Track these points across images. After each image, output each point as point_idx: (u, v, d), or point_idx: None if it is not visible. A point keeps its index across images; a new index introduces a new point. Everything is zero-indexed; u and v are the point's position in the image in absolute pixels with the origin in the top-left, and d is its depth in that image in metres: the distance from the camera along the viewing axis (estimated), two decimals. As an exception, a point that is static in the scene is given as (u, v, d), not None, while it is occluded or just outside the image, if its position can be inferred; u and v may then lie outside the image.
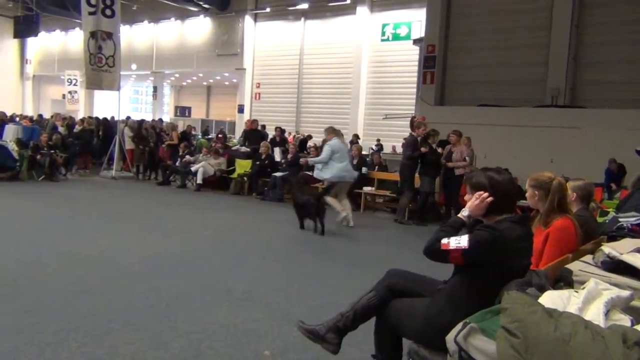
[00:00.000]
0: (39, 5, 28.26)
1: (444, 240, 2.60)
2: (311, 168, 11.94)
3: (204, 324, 4.20)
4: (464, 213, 2.80)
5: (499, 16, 13.47)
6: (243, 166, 13.31)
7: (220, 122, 31.28)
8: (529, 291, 2.34)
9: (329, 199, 9.08)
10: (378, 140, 21.72)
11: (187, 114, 33.80)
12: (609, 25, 12.17)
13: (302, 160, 11.26)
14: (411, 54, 19.25)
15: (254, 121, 16.21)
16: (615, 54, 12.01)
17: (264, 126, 18.30)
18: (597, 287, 2.31)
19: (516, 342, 1.92)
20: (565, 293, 2.32)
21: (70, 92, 25.49)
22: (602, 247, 3.02)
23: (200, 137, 22.42)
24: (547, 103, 12.55)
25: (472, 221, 2.83)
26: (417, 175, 10.20)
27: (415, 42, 17.21)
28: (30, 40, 34.51)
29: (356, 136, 20.11)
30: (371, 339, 3.07)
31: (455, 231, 2.71)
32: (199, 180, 12.86)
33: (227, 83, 33.36)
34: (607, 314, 2.12)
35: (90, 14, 14.00)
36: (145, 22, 30.49)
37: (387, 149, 21.17)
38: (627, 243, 3.08)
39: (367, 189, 11.34)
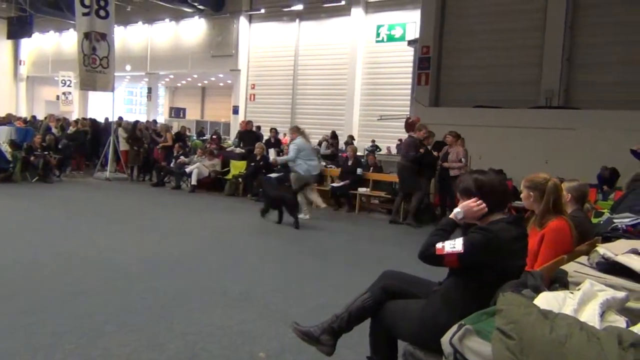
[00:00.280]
0: (32, 6, 28.18)
1: (439, 245, 2.60)
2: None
3: (200, 326, 4.19)
4: (458, 216, 2.79)
5: (493, 17, 13.50)
6: (238, 167, 13.28)
7: (215, 123, 31.26)
8: (524, 292, 2.34)
9: (299, 197, 9.53)
10: (373, 141, 21.75)
11: (181, 115, 33.75)
12: (602, 26, 12.21)
13: (271, 160, 11.64)
14: (406, 55, 19.28)
15: (249, 122, 16.18)
16: (609, 55, 12.05)
17: (259, 127, 18.29)
18: (593, 289, 2.31)
19: (511, 344, 1.91)
20: (560, 294, 2.32)
21: (64, 94, 25.39)
22: (597, 248, 3.02)
23: (195, 138, 22.38)
24: (542, 104, 12.57)
25: (466, 222, 2.83)
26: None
27: (410, 43, 17.22)
28: (24, 41, 34.43)
29: (351, 137, 20.12)
30: (366, 341, 3.07)
31: (448, 234, 2.71)
32: (194, 181, 12.82)
33: (221, 84, 33.33)
34: (602, 315, 2.12)
35: (84, 14, 13.95)
36: (140, 23, 30.45)
37: (382, 150, 21.21)
38: (622, 244, 3.09)
39: (362, 190, 11.32)
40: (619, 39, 11.87)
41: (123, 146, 14.89)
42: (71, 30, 29.44)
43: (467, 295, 2.59)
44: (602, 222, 4.70)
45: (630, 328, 2.04)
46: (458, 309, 2.49)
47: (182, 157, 13.78)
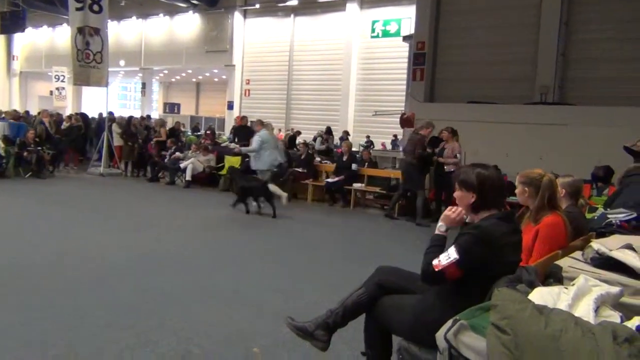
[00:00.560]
0: (25, 0, 27.97)
1: (435, 262, 2.58)
2: (300, 164, 11.97)
3: (193, 322, 4.18)
4: (442, 228, 2.80)
5: (488, 13, 13.48)
6: (232, 163, 13.23)
7: (209, 119, 31.15)
8: (518, 288, 2.33)
9: (272, 186, 9.81)
10: (368, 136, 21.74)
11: (176, 111, 33.62)
12: (597, 22, 12.21)
13: (235, 149, 12.06)
14: (401, 51, 19.23)
15: (244, 117, 16.14)
16: (604, 51, 12.05)
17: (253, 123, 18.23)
18: (587, 284, 2.31)
19: (506, 339, 1.91)
20: (555, 289, 2.32)
21: (57, 89, 25.27)
22: (592, 244, 3.02)
23: (189, 133, 22.32)
24: (536, 100, 12.58)
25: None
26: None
27: (405, 38, 17.18)
28: (16, 36, 34.17)
29: (346, 132, 20.10)
30: (361, 336, 3.06)
31: (440, 248, 2.69)
32: (188, 177, 12.79)
33: (216, 79, 33.22)
34: (596, 310, 2.12)
35: (78, 9, 13.87)
36: (134, 18, 30.29)
37: (376, 145, 21.21)
38: (616, 239, 3.09)
39: (357, 185, 11.31)
40: (614, 35, 11.88)
41: (117, 141, 14.82)
42: (64, 25, 29.22)
43: (461, 290, 2.59)
44: (596, 217, 4.70)
45: (625, 323, 2.04)
46: (452, 304, 2.49)
47: (177, 153, 13.73)
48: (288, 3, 24.88)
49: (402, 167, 10.14)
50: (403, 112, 14.69)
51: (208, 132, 17.55)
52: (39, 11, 29.99)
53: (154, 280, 5.23)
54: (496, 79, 13.25)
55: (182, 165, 13.07)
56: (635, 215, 4.32)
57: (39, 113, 16.93)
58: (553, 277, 2.75)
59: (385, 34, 22.79)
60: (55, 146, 14.26)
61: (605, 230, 4.10)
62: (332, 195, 11.56)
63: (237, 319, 4.30)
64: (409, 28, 19.99)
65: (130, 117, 16.44)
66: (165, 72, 32.94)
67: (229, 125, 24.21)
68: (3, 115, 17.09)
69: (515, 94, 12.89)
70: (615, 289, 2.33)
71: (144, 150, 14.87)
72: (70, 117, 17.61)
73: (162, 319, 4.21)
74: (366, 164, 12.16)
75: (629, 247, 2.81)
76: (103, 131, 14.79)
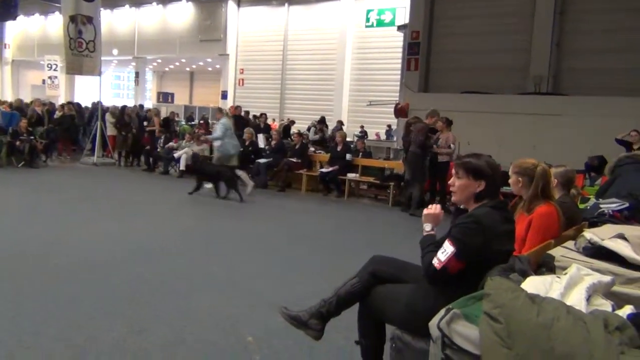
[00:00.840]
0: (17, -12, 27.66)
1: (434, 261, 2.59)
2: (294, 154, 11.95)
3: (187, 311, 4.18)
4: (427, 228, 2.84)
5: (482, 3, 13.47)
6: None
7: (203, 109, 31.04)
8: (511, 277, 2.34)
9: (239, 172, 10.15)
10: (362, 126, 21.73)
11: (170, 100, 33.49)
12: (592, 13, 12.22)
13: (202, 138, 12.37)
14: (395, 40, 19.21)
15: (238, 107, 16.09)
16: (598, 42, 12.07)
17: (247, 112, 18.19)
18: (579, 273, 2.32)
19: (499, 328, 1.92)
20: (547, 278, 2.33)
21: (50, 78, 25.08)
22: (584, 233, 3.04)
23: (183, 123, 22.23)
24: (530, 90, 12.60)
25: (456, 210, 2.85)
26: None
27: (400, 28, 17.15)
28: (8, 24, 33.84)
29: (340, 122, 20.07)
30: (354, 325, 3.07)
31: (435, 247, 2.70)
32: (182, 166, 12.75)
33: (210, 69, 33.10)
34: (588, 299, 2.13)
35: (70, -3, 13.76)
36: (127, 6, 30.08)
37: (371, 135, 21.21)
38: (608, 229, 3.11)
39: (351, 175, 11.32)
40: (609, 25, 11.90)
41: (110, 131, 14.75)
42: (57, 13, 28.98)
43: (454, 279, 2.60)
44: (588, 207, 4.73)
45: (616, 312, 2.05)
46: (446, 293, 2.49)
47: (170, 143, 13.69)
48: (282, -8, 24.79)
49: (409, 158, 9.86)
50: (397, 102, 14.69)
51: (202, 121, 17.48)
52: (31, -1, 29.75)
53: (146, 269, 5.23)
54: (490, 68, 13.26)
55: (175, 155, 13.03)
56: (627, 205, 4.35)
57: (31, 102, 16.83)
58: (546, 266, 2.77)
59: (380, 23, 22.74)
60: (48, 135, 14.18)
61: (598, 220, 4.13)
62: (326, 185, 11.56)
63: (230, 308, 4.30)
64: (403, 17, 19.94)
65: (124, 107, 16.36)
66: (159, 61, 32.78)
67: (223, 115, 24.10)
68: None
69: (509, 84, 12.91)
70: (607, 278, 2.34)
71: (137, 139, 14.80)
72: (63, 106, 17.50)
73: (156, 307, 4.21)
74: (360, 154, 12.16)
75: (621, 236, 2.83)
76: (96, 120, 14.71)
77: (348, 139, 14.05)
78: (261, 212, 9.10)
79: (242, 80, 27.09)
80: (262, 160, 11.98)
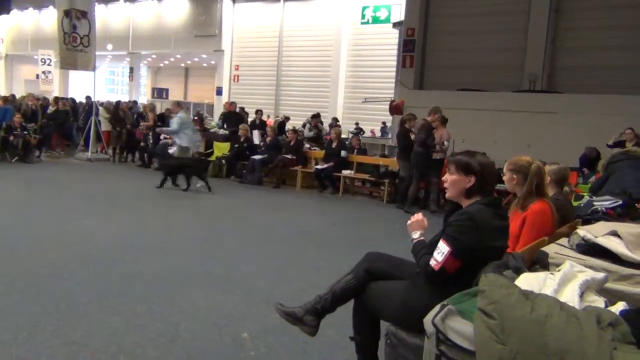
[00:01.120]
0: (10, -18, 27.48)
1: (432, 262, 2.61)
2: (289, 151, 11.95)
3: (182, 307, 4.18)
4: (415, 235, 2.88)
5: (478, 0, 13.49)
6: (221, 149, 13.21)
7: (198, 104, 30.97)
8: (505, 273, 2.37)
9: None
10: (357, 123, 21.73)
11: (164, 96, 33.38)
12: (587, 10, 12.26)
13: (157, 130, 12.50)
14: (391, 38, 19.21)
15: (232, 103, 16.08)
16: (592, 39, 12.12)
17: (242, 109, 18.18)
18: (572, 270, 2.34)
19: (493, 324, 1.94)
20: (541, 275, 2.35)
21: (44, 72, 24.93)
22: (578, 231, 3.06)
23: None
24: (525, 88, 12.64)
25: (450, 207, 2.87)
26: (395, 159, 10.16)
27: (395, 25, 17.16)
28: (2, 18, 33.60)
29: (335, 119, 20.08)
30: (349, 321, 3.08)
31: (429, 249, 2.73)
32: (176, 162, 12.70)
33: (205, 65, 32.99)
34: (581, 295, 2.15)
35: (64, -9, 13.69)
36: (121, 1, 29.93)
37: (366, 132, 21.22)
38: (602, 226, 3.13)
39: (346, 172, 11.33)
40: (604, 23, 11.94)
41: (105, 127, 14.70)
42: (51, 7, 28.80)
43: (449, 275, 2.61)
44: (582, 205, 4.76)
45: (609, 308, 2.07)
46: (440, 290, 2.51)
47: (165, 139, 13.64)
48: (278, -12, 24.72)
49: (413, 155, 9.74)
50: (392, 99, 14.71)
51: (196, 117, 17.43)
52: (24, -8, 29.57)
53: (141, 265, 5.23)
54: (485, 66, 13.29)
55: (170, 150, 12.97)
56: (620, 202, 4.38)
57: (24, 97, 16.76)
58: (539, 263, 2.79)
59: (375, 20, 22.71)
60: (42, 130, 14.12)
61: (591, 217, 4.16)
62: (321, 182, 11.57)
63: (225, 304, 4.31)
64: (399, 14, 19.93)
65: (119, 102, 16.30)
66: (154, 56, 32.64)
67: (218, 111, 24.09)
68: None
69: (504, 81, 12.94)
70: (600, 275, 2.37)
71: (132, 135, 14.75)
72: (57, 101, 17.43)
73: (151, 303, 4.21)
74: (355, 150, 12.17)
75: (614, 233, 2.85)
76: (90, 116, 14.66)
77: (343, 136, 14.07)
78: (256, 208, 9.10)
79: (237, 76, 27.03)
80: (257, 157, 11.97)
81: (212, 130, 15.30)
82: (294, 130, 12.96)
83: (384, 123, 21.15)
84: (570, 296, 2.12)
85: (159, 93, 33.79)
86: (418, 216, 2.95)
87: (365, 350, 3.03)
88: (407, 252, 3.16)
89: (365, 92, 22.02)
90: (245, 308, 4.25)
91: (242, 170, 12.33)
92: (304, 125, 17.21)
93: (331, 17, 23.86)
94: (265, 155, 11.97)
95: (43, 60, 24.85)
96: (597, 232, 2.92)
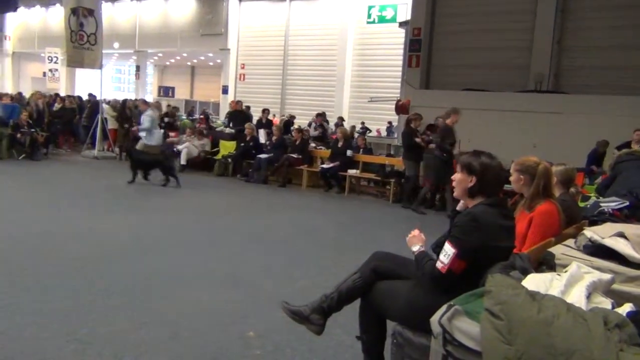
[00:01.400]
0: (17, -21, 27.64)
1: (438, 265, 2.61)
2: (295, 150, 11.96)
3: (188, 305, 4.20)
4: (414, 248, 2.88)
5: (485, 0, 13.45)
6: (227, 147, 13.24)
7: (204, 103, 31.01)
8: (512, 274, 2.37)
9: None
10: (362, 123, 21.71)
11: (170, 94, 33.44)
12: (593, 10, 12.19)
13: (133, 129, 12.88)
14: (397, 37, 19.17)
15: (238, 102, 16.10)
16: (599, 39, 12.05)
17: (248, 107, 18.20)
18: (579, 271, 2.34)
19: (499, 324, 1.94)
20: (548, 276, 2.35)
21: (51, 70, 25.03)
22: (584, 232, 3.06)
23: (184, 117, 22.23)
24: (531, 88, 12.59)
25: (453, 214, 2.89)
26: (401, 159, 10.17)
27: (401, 24, 17.12)
28: (9, 16, 33.73)
29: (341, 119, 20.07)
30: (356, 320, 3.09)
31: (437, 249, 2.76)
32: (183, 161, 12.76)
33: (211, 63, 33.03)
34: (588, 297, 2.15)
35: (71, -11, 13.75)
36: (128, -1, 30.02)
37: (372, 131, 21.19)
38: (609, 227, 3.13)
39: (351, 171, 11.32)
40: (610, 22, 11.87)
41: (111, 125, 14.75)
42: (58, 5, 28.89)
43: (456, 276, 2.61)
44: (589, 206, 4.75)
45: (616, 309, 2.08)
46: (446, 290, 2.52)
47: (171, 137, 13.70)
48: (284, -13, 24.70)
49: (433, 160, 9.64)
50: (398, 98, 14.68)
51: (202, 116, 17.48)
52: (31, -10, 29.66)
53: (146, 263, 5.25)
54: (492, 66, 13.24)
55: (176, 149, 13.03)
56: (627, 203, 4.38)
57: (32, 95, 16.82)
58: (546, 264, 2.79)
59: (381, 19, 22.66)
60: (49, 128, 14.18)
61: (598, 218, 4.15)
62: (327, 181, 11.57)
63: (231, 302, 4.32)
64: (405, 14, 19.89)
65: (125, 100, 16.34)
66: (160, 55, 32.70)
67: (223, 110, 24.11)
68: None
69: (510, 81, 12.89)
70: (607, 276, 2.37)
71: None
72: (63, 98, 17.50)
73: (154, 302, 4.23)
74: (361, 150, 12.17)
75: (621, 235, 2.85)
76: (95, 114, 14.70)
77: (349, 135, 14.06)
78: (261, 207, 9.11)
79: (243, 75, 27.04)
80: (262, 156, 11.99)
81: (218, 129, 15.34)
82: (299, 130, 12.98)
83: (390, 122, 21.12)
84: (577, 297, 2.12)
85: (166, 92, 33.85)
86: (415, 232, 2.96)
87: (372, 349, 3.03)
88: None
89: (371, 91, 21.98)
90: (250, 306, 4.27)
91: (247, 169, 12.35)
92: (309, 124, 17.23)
93: (337, 16, 23.84)
94: (271, 154, 11.98)
95: (50, 58, 24.96)
96: (603, 234, 2.92)
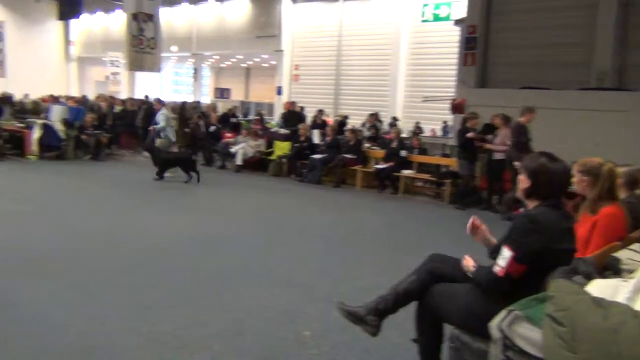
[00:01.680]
0: (81, -13, 28.72)
1: (495, 269, 2.58)
2: (349, 150, 11.97)
3: (245, 304, 4.28)
4: (471, 269, 2.85)
5: (543, -5, 13.09)
6: (282, 148, 13.38)
7: (259, 104, 31.39)
8: (575, 279, 2.31)
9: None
10: (417, 123, 21.50)
11: (226, 96, 34.02)
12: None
13: (150, 128, 12.83)
14: (452, 35, 18.87)
15: (293, 103, 16.24)
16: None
17: (302, 108, 18.33)
18: (647, 277, 2.26)
19: (562, 331, 1.90)
20: (613, 282, 2.28)
21: (112, 74, 25.92)
22: (652, 236, 2.95)
23: (241, 118, 22.58)
24: (592, 86, 12.17)
25: (506, 217, 2.86)
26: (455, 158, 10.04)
27: (456, 22, 16.86)
28: (73, 22, 35.10)
29: (395, 118, 19.94)
30: (412, 322, 3.08)
31: (493, 254, 2.74)
32: (239, 161, 12.98)
33: (265, 65, 33.38)
34: (657, 304, 2.08)
35: (131, -4, 14.21)
36: (185, 3, 30.69)
37: (426, 132, 20.96)
38: (678, 231, 3.00)
39: (406, 172, 11.22)
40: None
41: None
42: (118, 11, 29.88)
43: (515, 280, 2.57)
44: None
45: (686, 318, 1.99)
46: (505, 294, 2.48)
47: (227, 137, 13.96)
48: (337, -12, 24.72)
49: (508, 160, 9.26)
50: (454, 97, 14.47)
51: (257, 117, 17.71)
52: (94, -3, 30.76)
53: (204, 262, 5.38)
54: (550, 63, 12.87)
55: (232, 150, 13.27)
56: (698, 206, 4.17)
57: (97, 97, 17.48)
58: (611, 269, 2.71)
59: (436, 18, 22.37)
60: (113, 130, 14.71)
61: (667, 221, 3.98)
62: (381, 181, 11.52)
63: (288, 302, 4.38)
64: (460, 12, 19.58)
65: (184, 103, 16.75)
66: (216, 57, 33.30)
67: (278, 111, 24.36)
68: (62, 100, 17.72)
69: (570, 79, 12.49)
70: (676, 283, 2.27)
71: (196, 134, 15.11)
72: (124, 101, 18.08)
73: (214, 299, 4.34)
74: (415, 150, 12.06)
75: (692, 239, 2.74)
76: (152, 116, 15.10)
77: (403, 135, 13.97)
78: (316, 207, 9.17)
79: (297, 75, 27.24)
80: (317, 156, 12.05)
81: (272, 130, 15.51)
82: (353, 130, 12.98)
83: (445, 122, 20.83)
84: (645, 304, 2.05)
85: (221, 93, 34.46)
86: (467, 260, 2.89)
87: (428, 352, 3.02)
88: (470, 255, 3.13)
89: (425, 90, 21.71)
90: (306, 306, 4.31)
91: (302, 169, 12.45)
92: (363, 125, 17.20)
93: (391, 15, 23.68)
94: (326, 155, 12.03)
95: (111, 62, 25.86)
96: (673, 238, 2.81)
